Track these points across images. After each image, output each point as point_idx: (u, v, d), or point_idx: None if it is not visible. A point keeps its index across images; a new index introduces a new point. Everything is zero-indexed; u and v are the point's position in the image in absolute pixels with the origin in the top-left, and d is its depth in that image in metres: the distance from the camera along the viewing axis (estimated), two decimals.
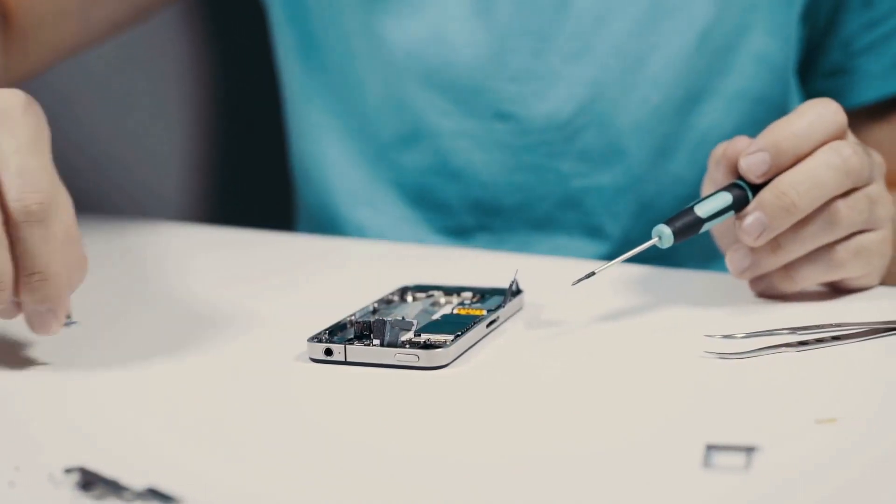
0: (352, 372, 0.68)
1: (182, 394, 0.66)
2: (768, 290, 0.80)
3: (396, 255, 1.01)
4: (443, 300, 0.79)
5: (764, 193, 0.76)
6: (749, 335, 0.72)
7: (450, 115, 1.07)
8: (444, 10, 1.06)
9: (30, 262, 0.66)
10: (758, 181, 0.77)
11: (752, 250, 0.78)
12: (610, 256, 1.07)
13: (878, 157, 0.80)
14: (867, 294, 0.82)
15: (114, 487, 0.52)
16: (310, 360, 0.70)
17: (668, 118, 1.05)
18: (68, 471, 0.54)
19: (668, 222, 0.75)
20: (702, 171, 1.08)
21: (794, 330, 0.72)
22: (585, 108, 1.05)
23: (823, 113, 0.77)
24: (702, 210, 0.76)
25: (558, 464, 0.55)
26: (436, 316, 0.76)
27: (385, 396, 0.65)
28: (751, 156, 0.77)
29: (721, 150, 0.81)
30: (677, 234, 0.75)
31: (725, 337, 0.71)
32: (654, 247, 0.75)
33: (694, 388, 0.65)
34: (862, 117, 1.10)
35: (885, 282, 0.84)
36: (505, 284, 0.79)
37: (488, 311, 0.75)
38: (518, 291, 0.79)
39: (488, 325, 0.74)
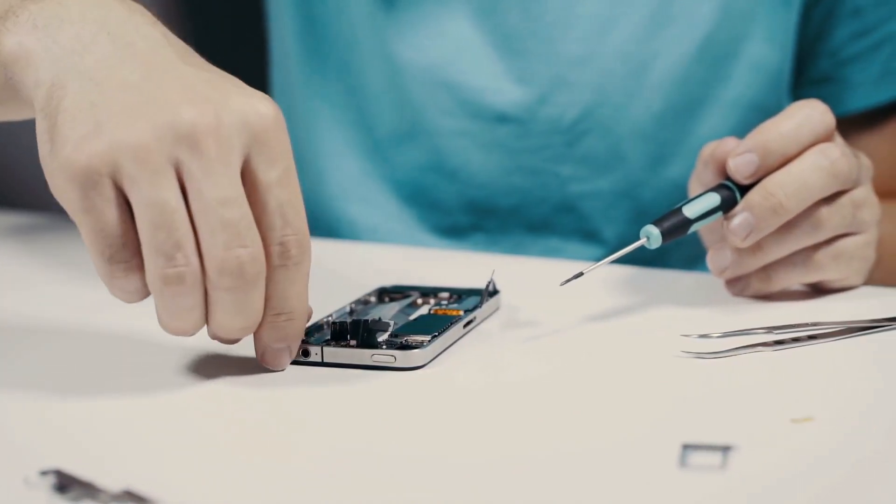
0: (329, 373, 0.68)
1: (158, 395, 0.66)
2: (744, 291, 0.80)
3: (376, 256, 1.00)
4: (420, 301, 0.79)
5: (752, 194, 0.77)
6: (725, 335, 0.72)
7: (451, 114, 1.07)
8: (449, 11, 1.06)
9: (279, 303, 0.65)
10: (746, 182, 0.77)
11: (735, 250, 0.78)
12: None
13: (865, 160, 0.81)
14: (843, 294, 0.82)
15: (90, 489, 0.52)
16: None
17: (668, 124, 1.06)
18: (44, 473, 0.54)
19: (656, 223, 0.75)
20: None
21: (770, 329, 0.72)
22: (589, 114, 1.05)
23: (812, 115, 0.78)
24: (690, 211, 0.76)
25: (534, 464, 0.55)
26: (413, 317, 0.76)
27: (362, 397, 0.65)
28: (739, 157, 0.77)
29: (710, 150, 0.81)
30: (665, 234, 0.75)
31: (702, 337, 0.71)
32: (641, 248, 0.75)
33: (670, 387, 0.66)
34: (849, 126, 1.10)
35: (869, 282, 0.84)
36: (482, 285, 0.79)
37: (465, 311, 0.75)
38: (495, 292, 0.79)
39: (465, 326, 0.74)
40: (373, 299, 0.79)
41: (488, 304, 0.78)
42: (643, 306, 0.81)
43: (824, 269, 0.80)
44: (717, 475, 0.53)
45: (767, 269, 0.79)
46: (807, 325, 0.73)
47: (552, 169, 1.06)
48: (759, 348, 0.70)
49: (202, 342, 0.74)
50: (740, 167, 0.77)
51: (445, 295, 0.80)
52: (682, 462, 0.54)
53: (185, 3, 1.36)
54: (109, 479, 0.53)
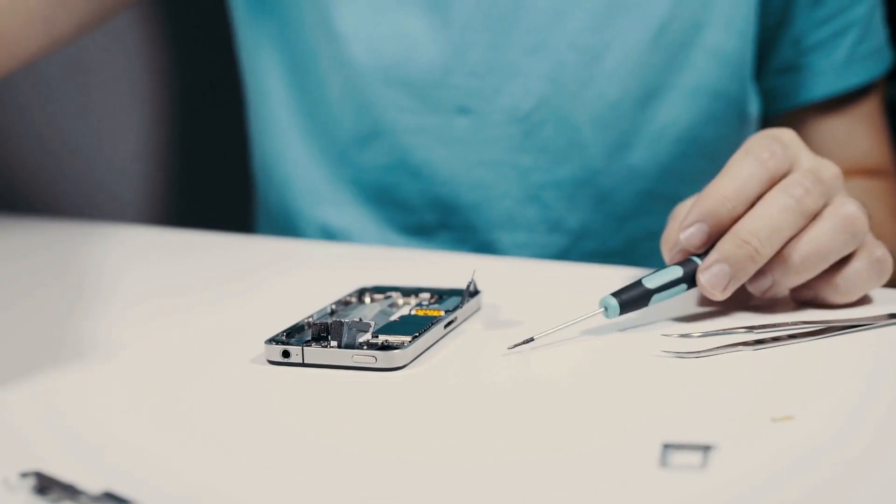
0: (309, 374, 0.68)
1: (139, 397, 0.66)
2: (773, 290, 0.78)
3: (355, 256, 1.00)
4: (401, 301, 0.79)
5: (724, 244, 0.74)
6: (706, 334, 0.72)
7: (409, 111, 1.07)
8: (401, 6, 1.06)
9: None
10: (699, 251, 0.76)
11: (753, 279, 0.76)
12: (569, 250, 1.08)
13: (830, 171, 0.77)
14: None
15: (70, 491, 0.52)
16: (267, 363, 0.70)
17: (625, 113, 1.06)
18: (24, 475, 0.53)
19: (615, 293, 0.74)
20: (659, 165, 1.09)
21: (750, 329, 0.73)
22: (544, 103, 1.05)
23: (753, 172, 0.75)
24: (651, 283, 0.74)
25: (515, 464, 0.56)
26: (394, 317, 0.76)
27: (343, 398, 0.65)
28: (687, 229, 0.75)
29: (684, 210, 0.80)
30: (624, 305, 0.73)
31: (682, 336, 0.72)
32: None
33: (651, 387, 0.66)
34: (814, 112, 1.11)
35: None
36: (463, 285, 0.79)
37: (446, 311, 0.75)
38: (476, 292, 0.79)
39: (446, 326, 0.74)
40: (353, 299, 0.79)
41: (469, 305, 0.78)
42: None
43: (853, 293, 0.77)
44: (697, 475, 0.53)
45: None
46: (787, 324, 0.73)
47: (512, 160, 1.07)
48: (740, 348, 0.70)
49: (182, 346, 0.74)
50: (691, 238, 0.75)
51: (426, 295, 0.80)
52: (663, 462, 0.55)
53: (167, 29, 1.36)
54: (90, 481, 0.53)
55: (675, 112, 1.07)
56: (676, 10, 1.05)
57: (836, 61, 1.10)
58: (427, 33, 1.06)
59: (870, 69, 1.11)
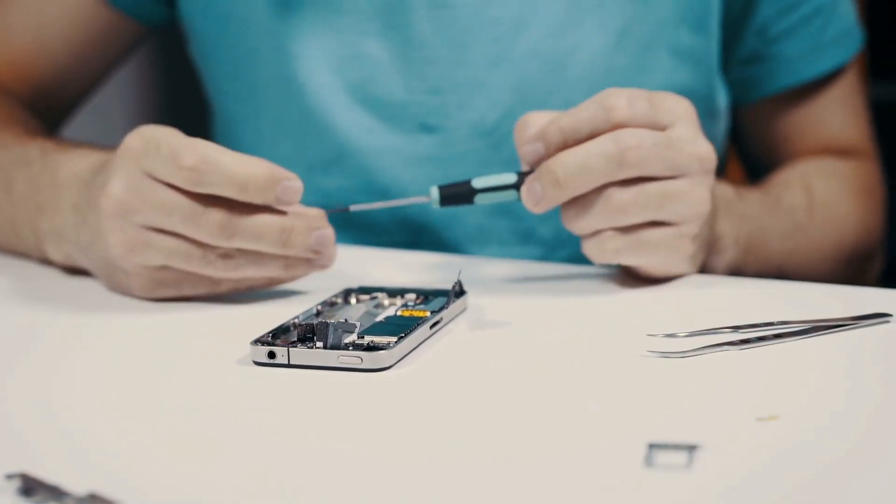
0: (295, 375, 0.68)
1: (125, 399, 0.66)
2: (597, 256, 0.82)
3: (340, 257, 1.00)
4: (386, 302, 0.79)
5: (541, 167, 0.80)
6: (691, 334, 0.72)
7: (373, 132, 1.06)
8: (357, 27, 1.05)
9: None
10: (532, 167, 0.81)
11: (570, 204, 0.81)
12: (544, 260, 1.07)
13: (700, 151, 0.81)
14: (807, 293, 0.83)
15: (55, 493, 0.52)
16: (253, 364, 0.70)
17: None
18: (10, 477, 0.53)
19: (441, 186, 0.81)
20: None
21: (736, 328, 0.73)
22: (509, 115, 1.04)
23: (595, 114, 0.80)
24: (479, 183, 0.81)
25: (501, 464, 0.56)
26: (379, 318, 0.75)
27: (328, 399, 0.65)
28: (525, 145, 0.82)
29: (533, 118, 0.84)
30: (445, 198, 0.81)
31: (668, 336, 0.72)
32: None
33: (636, 387, 0.66)
34: (784, 99, 1.11)
35: (739, 273, 0.89)
36: (448, 286, 0.79)
37: (432, 312, 0.75)
38: (462, 293, 0.79)
39: (432, 327, 0.74)
40: (339, 300, 0.79)
41: (455, 305, 0.78)
42: (605, 305, 0.81)
43: (623, 255, 0.81)
44: (683, 474, 0.54)
45: (597, 237, 0.81)
46: (772, 324, 0.73)
47: (480, 174, 1.06)
48: (726, 347, 0.70)
49: (168, 347, 0.74)
50: (526, 155, 0.82)
51: (412, 296, 0.80)
52: (649, 461, 0.55)
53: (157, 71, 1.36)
54: (75, 483, 0.53)
55: None
56: (637, 12, 1.04)
57: (803, 49, 1.09)
58: (387, 52, 1.05)
59: (838, 54, 1.11)
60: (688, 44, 1.06)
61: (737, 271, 0.93)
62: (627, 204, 0.79)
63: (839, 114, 1.13)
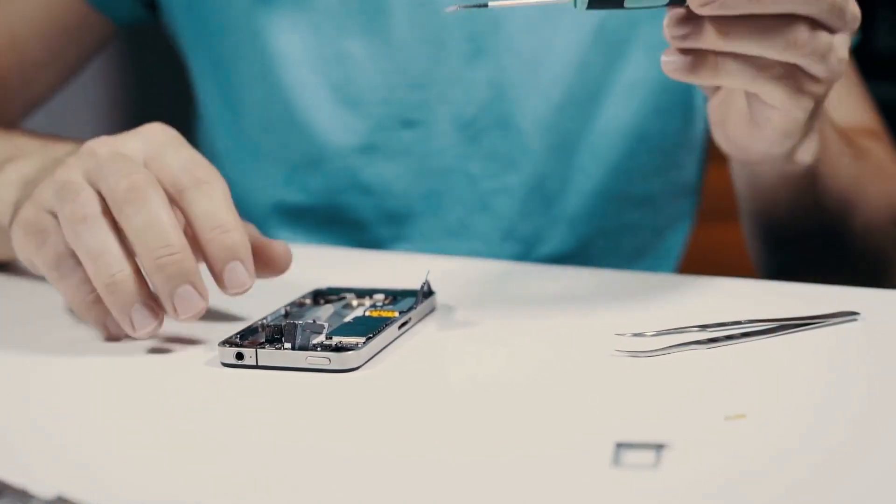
0: (263, 376, 0.68)
1: (92, 400, 0.66)
2: (690, 69, 0.76)
3: (309, 258, 1.00)
4: (355, 302, 0.79)
5: None
6: (659, 333, 0.72)
7: (354, 129, 1.07)
8: (337, 25, 1.05)
9: (207, 219, 0.71)
10: None
11: (698, 24, 0.74)
12: (524, 257, 1.08)
13: (855, 8, 0.76)
14: (776, 291, 0.83)
15: (22, 496, 0.52)
16: (221, 365, 0.69)
17: (570, 114, 1.06)
18: None
19: None
20: (605, 163, 1.08)
21: (704, 327, 0.73)
22: (487, 109, 1.05)
23: None
24: None
25: (468, 465, 0.56)
26: (348, 318, 0.75)
27: (297, 400, 0.65)
28: None
29: None
30: (593, 0, 0.71)
31: (636, 335, 0.72)
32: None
33: (604, 386, 0.66)
34: None
35: (792, 156, 0.84)
36: (417, 286, 0.79)
37: (400, 312, 0.75)
38: (430, 293, 0.79)
39: (400, 327, 0.74)
40: (308, 301, 0.79)
41: (423, 305, 0.78)
42: (573, 305, 0.81)
43: (772, 88, 0.76)
44: (650, 473, 0.54)
45: (721, 59, 0.75)
46: (740, 322, 0.73)
47: (461, 167, 1.07)
48: (693, 346, 0.70)
49: (135, 349, 0.74)
50: None
51: (381, 296, 0.80)
52: (616, 461, 0.55)
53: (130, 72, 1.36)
54: (42, 486, 0.53)
55: (619, 109, 1.07)
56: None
57: None
58: (367, 51, 1.06)
59: None
60: (662, 38, 1.06)
61: (811, 177, 0.89)
62: (804, 42, 0.73)
63: (846, 101, 1.11)
